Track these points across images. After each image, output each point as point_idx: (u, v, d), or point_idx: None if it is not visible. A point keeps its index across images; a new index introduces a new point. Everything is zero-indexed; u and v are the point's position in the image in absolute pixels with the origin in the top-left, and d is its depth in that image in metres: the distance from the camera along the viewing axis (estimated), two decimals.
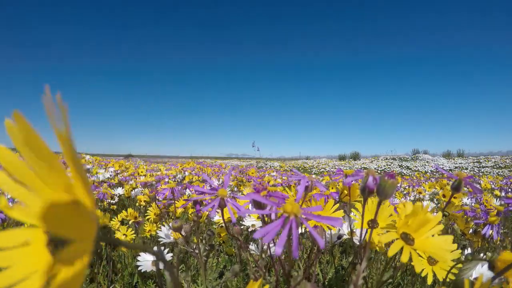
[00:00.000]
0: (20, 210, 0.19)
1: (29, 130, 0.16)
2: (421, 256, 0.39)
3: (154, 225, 1.21)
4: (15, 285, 0.16)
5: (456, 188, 0.50)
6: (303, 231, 0.83)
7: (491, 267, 0.34)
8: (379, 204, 0.39)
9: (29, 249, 0.18)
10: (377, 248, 0.50)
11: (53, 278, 0.15)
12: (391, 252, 0.34)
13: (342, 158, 16.92)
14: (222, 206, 0.45)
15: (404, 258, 0.33)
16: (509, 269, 0.32)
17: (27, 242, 0.19)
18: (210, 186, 0.51)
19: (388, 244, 0.57)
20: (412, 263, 0.33)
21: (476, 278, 0.56)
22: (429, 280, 0.37)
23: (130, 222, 1.31)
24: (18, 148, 0.17)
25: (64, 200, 0.17)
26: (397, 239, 0.36)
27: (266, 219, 0.43)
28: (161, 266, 0.22)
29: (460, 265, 0.38)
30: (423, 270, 0.50)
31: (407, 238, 0.37)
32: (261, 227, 0.94)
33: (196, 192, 0.49)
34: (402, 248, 0.34)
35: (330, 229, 0.78)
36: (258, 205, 0.37)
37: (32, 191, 0.18)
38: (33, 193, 0.18)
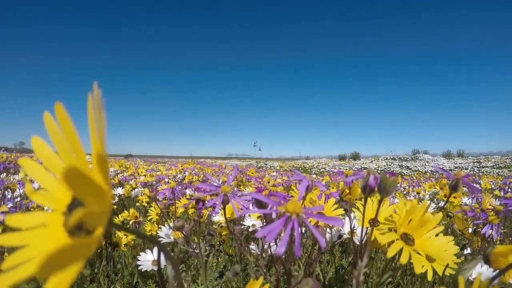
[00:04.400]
0: (42, 195, 0.21)
1: (68, 121, 0.17)
2: (420, 254, 0.39)
3: (155, 225, 1.21)
4: (31, 260, 0.18)
5: (454, 188, 0.50)
6: (303, 231, 0.83)
7: (486, 261, 0.34)
8: (380, 201, 0.39)
9: (46, 230, 0.20)
10: (378, 246, 0.50)
11: (66, 243, 0.16)
12: (390, 252, 0.33)
13: (342, 158, 16.93)
14: (225, 202, 0.46)
15: (404, 260, 0.32)
16: (510, 268, 0.32)
17: (44, 224, 0.20)
18: (212, 184, 0.51)
19: (389, 244, 0.57)
20: (411, 261, 0.33)
21: (475, 278, 0.56)
22: (429, 277, 0.37)
23: (130, 222, 1.31)
24: (53, 138, 0.19)
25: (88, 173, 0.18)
26: (397, 239, 0.35)
27: (267, 218, 0.43)
28: (163, 263, 0.22)
29: (459, 260, 0.38)
30: (423, 266, 0.50)
31: (407, 239, 0.37)
32: (262, 226, 0.94)
33: (199, 190, 0.49)
34: (402, 249, 0.34)
35: (331, 228, 0.78)
36: (260, 204, 0.37)
37: (58, 179, 0.21)
38: (58, 182, 0.21)
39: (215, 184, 0.50)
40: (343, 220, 0.81)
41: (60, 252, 0.14)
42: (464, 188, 0.51)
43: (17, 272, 0.16)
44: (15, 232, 0.20)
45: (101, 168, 0.17)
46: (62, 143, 0.18)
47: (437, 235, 0.39)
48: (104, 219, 0.16)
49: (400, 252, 0.34)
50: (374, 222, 0.39)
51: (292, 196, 0.62)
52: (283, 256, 0.47)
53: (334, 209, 0.53)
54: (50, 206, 0.21)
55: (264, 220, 0.45)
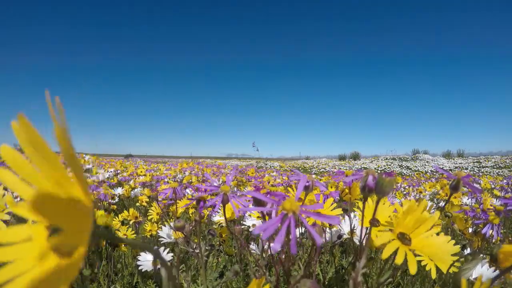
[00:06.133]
0: (24, 206, 0.20)
1: (32, 130, 0.17)
2: (418, 255, 0.38)
3: (155, 225, 1.21)
4: (18, 277, 0.17)
5: (454, 188, 0.50)
6: (302, 230, 0.83)
7: (494, 260, 0.34)
8: (377, 202, 0.39)
9: (31, 244, 0.19)
10: (376, 247, 0.50)
11: (49, 268, 0.16)
12: (385, 253, 0.32)
13: (342, 158, 16.93)
14: (225, 202, 0.46)
15: (399, 260, 0.31)
16: None
17: (29, 238, 0.20)
18: (211, 184, 0.51)
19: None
20: (407, 261, 0.32)
21: (476, 278, 0.56)
22: (433, 275, 0.36)
23: (131, 222, 1.31)
24: (22, 147, 0.18)
25: (61, 194, 0.18)
26: (393, 239, 0.35)
27: (266, 217, 0.43)
28: (158, 264, 0.22)
29: (455, 258, 0.38)
30: (426, 265, 0.50)
31: (403, 238, 0.36)
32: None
33: (200, 190, 0.49)
34: (398, 249, 0.33)
35: (330, 228, 0.78)
36: (257, 202, 0.37)
37: (35, 188, 0.19)
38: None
39: (214, 184, 0.50)
40: (343, 220, 0.81)
41: (41, 278, 0.14)
42: (464, 189, 0.51)
43: None
44: (1, 247, 0.19)
45: (75, 168, 0.16)
46: (31, 151, 0.18)
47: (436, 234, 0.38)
48: (85, 238, 0.16)
49: (396, 252, 0.33)
50: (373, 222, 0.39)
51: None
52: (283, 256, 0.47)
53: (333, 209, 0.53)
54: (33, 218, 0.20)
55: (263, 219, 0.45)
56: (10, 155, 0.19)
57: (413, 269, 0.31)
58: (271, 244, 0.24)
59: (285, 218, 0.27)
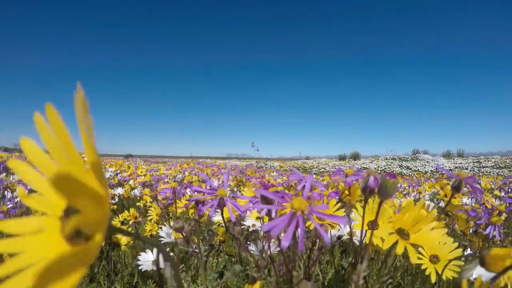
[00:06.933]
0: (37, 199, 0.20)
1: (59, 123, 0.16)
2: (422, 255, 0.40)
3: (155, 225, 1.21)
4: (27, 269, 0.17)
5: (456, 188, 0.50)
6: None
7: (482, 263, 0.34)
8: (379, 204, 0.39)
9: (43, 235, 0.19)
10: (380, 247, 0.50)
11: (62, 254, 0.15)
12: (385, 245, 0.35)
13: (342, 158, 16.93)
14: (222, 205, 0.46)
15: (399, 250, 0.34)
16: (508, 269, 0.32)
17: (40, 229, 0.19)
18: (210, 186, 0.51)
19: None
20: (408, 253, 0.34)
21: (476, 278, 0.56)
22: (433, 278, 0.38)
23: (130, 223, 1.31)
24: (44, 140, 0.17)
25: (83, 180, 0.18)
26: (392, 233, 0.37)
27: (271, 215, 0.43)
28: (162, 264, 0.22)
29: (460, 263, 0.39)
30: (426, 268, 0.51)
31: (402, 233, 0.38)
32: (261, 226, 0.93)
33: (196, 192, 0.49)
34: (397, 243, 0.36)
35: (330, 229, 0.78)
36: (265, 200, 0.37)
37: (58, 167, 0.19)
38: None
39: (212, 185, 0.50)
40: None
41: (58, 262, 0.14)
42: (465, 189, 0.51)
43: (14, 284, 0.16)
44: (9, 238, 0.19)
45: (95, 172, 0.16)
46: (55, 145, 0.17)
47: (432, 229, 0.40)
48: (103, 225, 0.15)
49: (401, 253, 0.35)
50: (373, 224, 0.39)
51: (296, 195, 0.62)
52: (283, 257, 0.47)
53: (336, 210, 0.53)
54: (45, 211, 0.20)
55: (269, 217, 0.46)
56: (30, 147, 0.19)
57: (413, 260, 0.33)
58: (272, 248, 0.24)
59: (293, 217, 0.27)
